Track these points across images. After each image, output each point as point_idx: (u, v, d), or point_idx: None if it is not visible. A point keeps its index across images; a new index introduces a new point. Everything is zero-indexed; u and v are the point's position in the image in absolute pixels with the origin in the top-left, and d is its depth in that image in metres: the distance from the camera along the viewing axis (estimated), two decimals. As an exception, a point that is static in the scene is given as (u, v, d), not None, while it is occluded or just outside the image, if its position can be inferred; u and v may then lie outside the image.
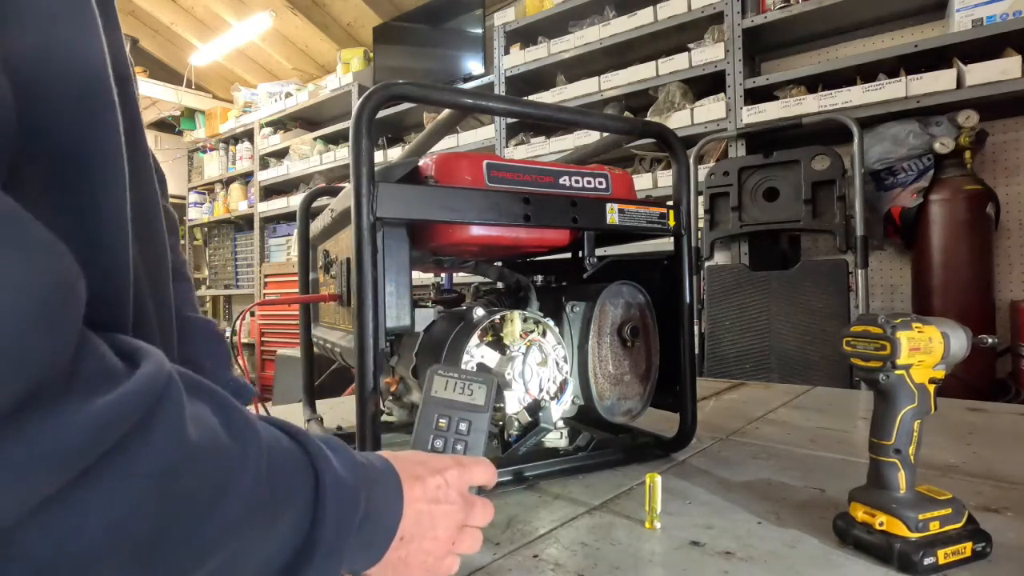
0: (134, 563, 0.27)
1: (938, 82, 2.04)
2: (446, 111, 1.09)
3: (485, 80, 3.31)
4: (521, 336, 0.88)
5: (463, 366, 0.83)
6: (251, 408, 0.60)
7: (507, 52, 3.17)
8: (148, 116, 5.09)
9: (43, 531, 0.24)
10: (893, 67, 2.23)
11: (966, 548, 0.57)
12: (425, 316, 0.95)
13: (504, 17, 3.35)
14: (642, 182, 2.60)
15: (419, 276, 1.23)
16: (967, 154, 2.05)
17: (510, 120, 3.09)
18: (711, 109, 2.48)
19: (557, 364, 0.91)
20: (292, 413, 1.30)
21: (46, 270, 0.24)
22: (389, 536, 0.42)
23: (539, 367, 0.88)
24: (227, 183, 5.00)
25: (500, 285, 1.10)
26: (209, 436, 0.31)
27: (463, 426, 0.52)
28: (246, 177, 4.90)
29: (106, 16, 0.36)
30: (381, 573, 0.43)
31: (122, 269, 0.35)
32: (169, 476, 0.28)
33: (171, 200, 0.71)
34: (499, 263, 1.08)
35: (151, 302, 0.41)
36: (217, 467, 0.31)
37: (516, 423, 0.84)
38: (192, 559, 0.30)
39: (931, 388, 0.61)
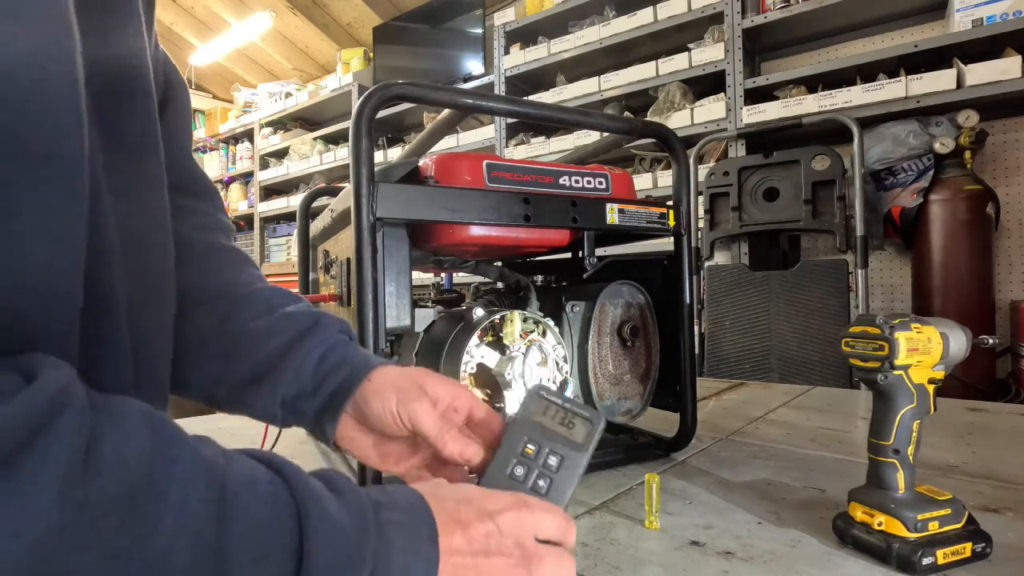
0: None
1: (938, 82, 2.04)
2: (446, 111, 1.09)
3: (485, 80, 3.31)
4: (521, 336, 0.88)
5: (463, 366, 0.83)
6: None
7: (507, 52, 3.17)
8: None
9: None
10: (893, 67, 2.24)
11: (966, 548, 0.57)
12: (425, 316, 0.95)
13: (504, 17, 3.35)
14: (642, 182, 2.60)
15: (419, 276, 1.23)
16: (967, 154, 2.05)
17: (510, 120, 3.09)
18: (711, 109, 2.48)
19: (557, 364, 0.91)
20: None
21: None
22: None
23: (539, 367, 0.88)
24: (227, 183, 5.00)
25: (500, 285, 1.10)
26: (106, 492, 0.24)
27: (553, 460, 0.43)
28: (246, 177, 4.91)
29: (123, 24, 0.35)
30: None
31: (60, 292, 0.29)
32: (57, 518, 0.22)
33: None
34: (499, 263, 1.08)
35: (131, 331, 0.36)
36: (133, 509, 0.24)
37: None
38: None
39: (930, 388, 0.61)
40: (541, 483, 0.42)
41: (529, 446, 0.43)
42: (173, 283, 0.43)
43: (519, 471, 0.42)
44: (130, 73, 0.37)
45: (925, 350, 0.59)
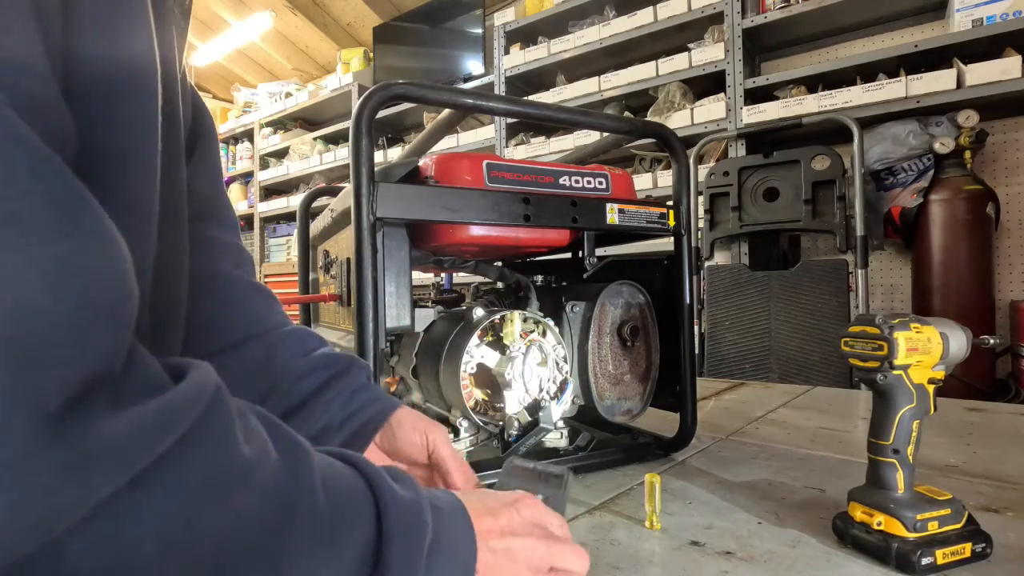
0: None
1: (938, 82, 2.04)
2: (446, 111, 1.09)
3: (485, 80, 3.31)
4: (521, 336, 0.88)
5: (463, 366, 0.83)
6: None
7: (507, 52, 3.17)
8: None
9: (92, 542, 0.22)
10: (893, 67, 2.24)
11: (965, 549, 0.57)
12: (425, 316, 0.95)
13: (504, 17, 3.35)
14: (642, 182, 2.60)
15: (419, 276, 1.23)
16: (967, 154, 2.05)
17: (510, 120, 3.09)
18: (711, 109, 2.48)
19: (557, 364, 0.91)
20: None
21: (115, 260, 0.23)
22: (467, 570, 0.38)
23: (539, 367, 0.88)
24: (227, 183, 5.00)
25: (500, 285, 1.10)
26: (261, 450, 0.29)
27: (540, 496, 0.49)
28: (246, 177, 4.90)
29: (162, 21, 0.37)
30: None
31: (146, 274, 0.34)
32: (221, 488, 0.26)
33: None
34: (499, 263, 1.08)
35: (164, 303, 0.39)
36: (272, 483, 0.29)
37: (516, 423, 0.84)
38: None
39: (930, 388, 0.61)
40: None
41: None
42: (184, 309, 0.45)
43: None
44: (170, 98, 0.39)
45: (925, 350, 0.59)
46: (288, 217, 4.49)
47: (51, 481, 0.21)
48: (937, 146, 2.03)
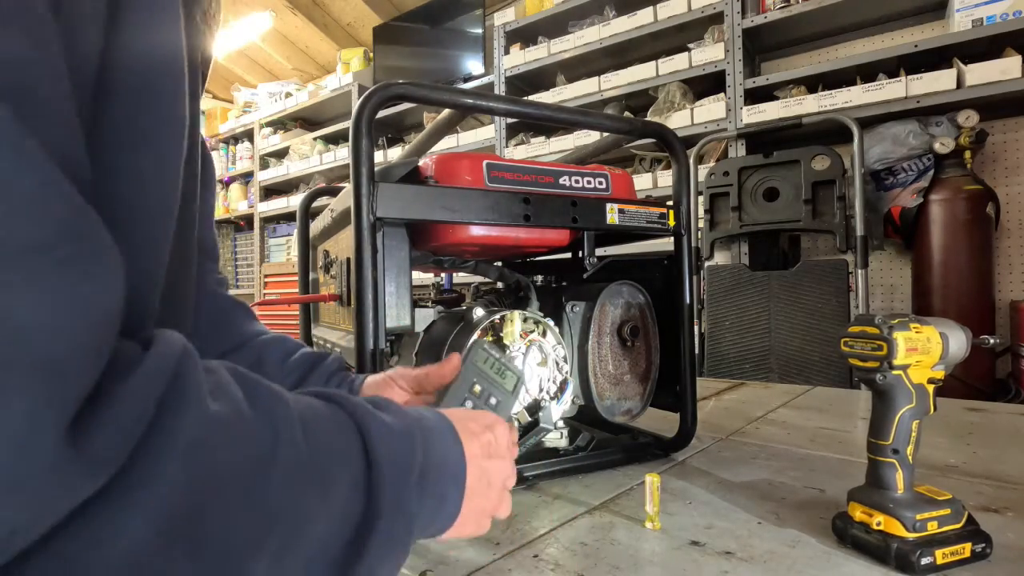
0: (185, 555, 0.26)
1: (938, 82, 2.04)
2: (446, 111, 1.09)
3: (485, 80, 3.31)
4: (521, 336, 0.88)
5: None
6: None
7: (507, 52, 3.17)
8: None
9: (85, 536, 0.23)
10: (893, 67, 2.23)
11: (965, 549, 0.57)
12: (425, 316, 0.95)
13: (504, 17, 3.35)
14: (642, 182, 2.60)
15: (419, 276, 1.23)
16: (967, 154, 2.05)
17: (510, 120, 3.09)
18: (711, 109, 2.48)
19: (557, 364, 0.91)
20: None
21: (112, 289, 0.24)
22: (460, 487, 0.40)
23: (539, 367, 0.88)
24: (227, 183, 5.00)
25: (500, 285, 1.10)
26: (233, 408, 0.29)
27: (492, 400, 0.56)
28: (246, 177, 4.90)
29: (188, 14, 0.38)
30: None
31: (162, 260, 0.35)
32: (200, 452, 0.26)
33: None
34: (499, 263, 1.08)
35: (177, 285, 0.41)
36: (247, 437, 0.29)
37: (516, 423, 0.84)
38: (246, 540, 0.28)
39: (930, 388, 0.61)
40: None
41: (477, 387, 0.56)
42: (193, 293, 0.47)
43: (469, 404, 0.55)
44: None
45: (924, 350, 0.59)
46: (288, 217, 4.49)
47: (74, 482, 0.22)
48: (937, 146, 2.03)
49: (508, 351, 0.86)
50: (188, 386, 0.27)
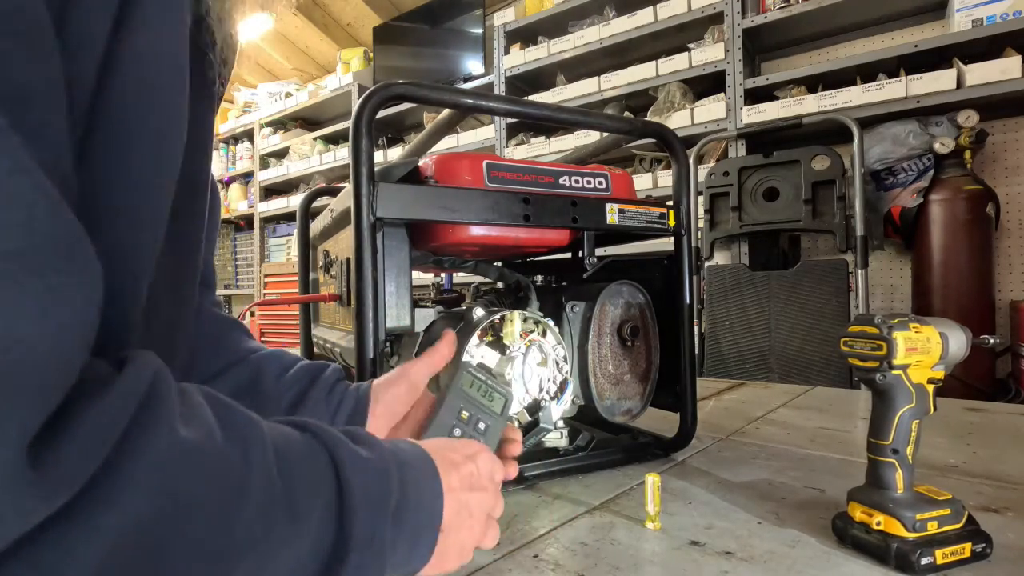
0: None
1: (938, 82, 2.04)
2: (446, 111, 1.09)
3: (485, 80, 3.31)
4: (521, 336, 0.88)
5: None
6: None
7: (507, 52, 3.17)
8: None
9: (35, 560, 0.22)
10: (893, 67, 2.24)
11: (965, 549, 0.57)
12: (425, 316, 0.95)
13: (504, 17, 3.35)
14: (642, 182, 2.60)
15: (419, 276, 1.23)
16: (967, 154, 2.05)
17: (510, 120, 3.09)
18: (711, 109, 2.48)
19: (557, 364, 0.91)
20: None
21: (87, 305, 0.24)
22: (434, 526, 0.39)
23: (539, 367, 0.88)
24: (227, 183, 5.00)
25: (500, 285, 1.10)
26: (204, 433, 0.29)
27: (481, 426, 0.54)
28: (246, 177, 4.90)
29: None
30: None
31: (147, 273, 0.34)
32: (166, 478, 0.26)
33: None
34: (499, 263, 1.08)
35: (166, 302, 0.40)
36: (217, 464, 0.28)
37: (516, 423, 0.84)
38: (210, 572, 0.27)
39: (930, 388, 0.61)
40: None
41: (464, 412, 0.54)
42: (200, 254, 0.47)
43: (457, 432, 0.53)
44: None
45: (924, 350, 0.59)
46: (288, 217, 4.49)
47: (29, 503, 0.21)
48: (937, 146, 2.03)
49: (509, 351, 0.86)
50: (158, 409, 0.26)
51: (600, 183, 0.92)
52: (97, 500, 0.23)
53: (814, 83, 2.37)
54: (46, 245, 0.22)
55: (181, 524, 0.26)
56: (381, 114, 0.81)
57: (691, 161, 2.34)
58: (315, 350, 1.35)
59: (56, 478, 0.22)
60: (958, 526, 0.58)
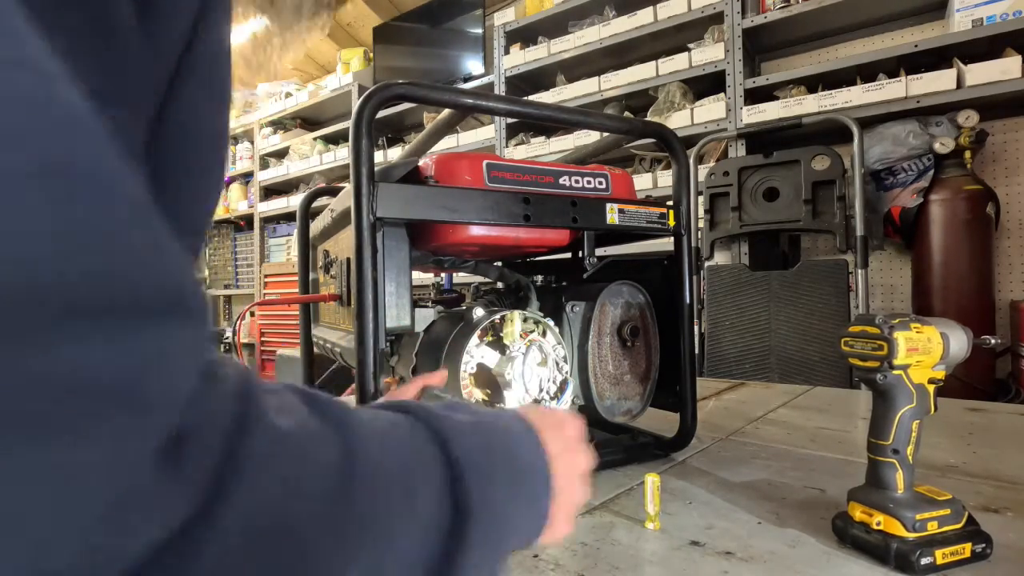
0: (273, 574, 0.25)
1: (938, 82, 2.04)
2: (446, 111, 1.09)
3: (485, 80, 3.31)
4: (521, 336, 0.88)
5: (463, 366, 0.83)
6: None
7: (507, 52, 3.17)
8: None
9: (169, 560, 0.23)
10: (893, 67, 2.24)
11: (965, 549, 0.57)
12: (425, 316, 0.95)
13: (504, 17, 3.35)
14: (642, 182, 2.60)
15: (419, 276, 1.23)
16: (967, 154, 2.05)
17: (510, 120, 3.09)
18: (711, 109, 2.48)
19: (557, 364, 0.91)
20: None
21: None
22: (547, 486, 0.39)
23: (539, 367, 0.88)
24: (227, 183, 5.00)
25: (500, 285, 1.10)
26: (301, 422, 0.29)
27: None
28: (246, 177, 4.91)
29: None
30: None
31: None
32: (275, 467, 0.26)
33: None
34: (499, 263, 1.08)
35: None
36: (320, 450, 0.28)
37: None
38: (333, 555, 0.27)
39: (931, 388, 0.61)
40: None
41: None
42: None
43: None
44: None
45: (925, 350, 0.59)
46: (288, 217, 4.49)
47: (169, 505, 0.22)
48: (937, 146, 2.03)
49: (509, 351, 0.86)
50: (255, 405, 0.27)
51: (600, 183, 0.92)
52: (222, 496, 0.24)
53: (814, 83, 2.37)
54: (162, 293, 0.23)
55: (297, 511, 0.26)
56: (381, 114, 0.81)
57: (691, 161, 2.34)
58: (315, 350, 1.35)
59: (185, 479, 0.23)
60: (958, 526, 0.58)
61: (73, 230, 0.19)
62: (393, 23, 3.92)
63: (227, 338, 4.37)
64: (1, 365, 0.18)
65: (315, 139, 4.30)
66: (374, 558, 0.29)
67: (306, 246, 1.44)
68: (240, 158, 4.90)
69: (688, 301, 0.95)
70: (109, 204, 0.21)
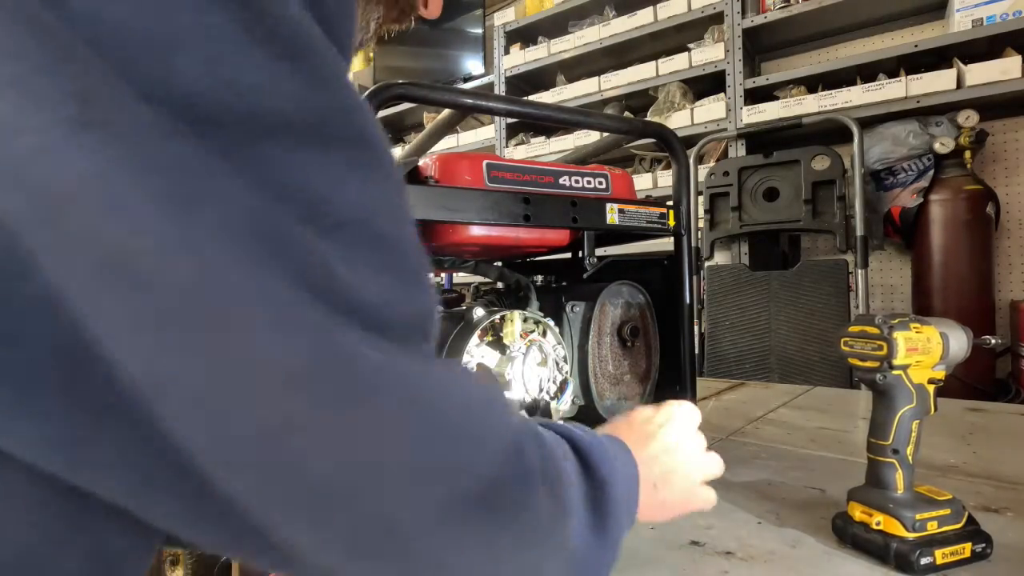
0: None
1: (938, 82, 2.04)
2: (446, 111, 1.09)
3: (485, 80, 3.31)
4: (521, 336, 0.88)
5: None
6: None
7: (507, 52, 3.17)
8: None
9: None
10: (893, 67, 2.23)
11: (965, 549, 0.57)
12: (425, 316, 0.95)
13: (504, 17, 3.35)
14: (642, 182, 2.60)
15: (419, 276, 1.22)
16: (967, 154, 2.05)
17: (510, 120, 3.09)
18: (711, 109, 2.48)
19: (557, 364, 0.91)
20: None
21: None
22: (633, 513, 0.42)
23: (539, 367, 0.88)
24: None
25: (500, 285, 1.10)
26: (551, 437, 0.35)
27: None
28: (246, 177, 4.90)
29: None
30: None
31: None
32: (549, 474, 0.32)
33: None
34: (499, 263, 1.08)
35: None
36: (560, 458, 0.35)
37: (516, 423, 0.84)
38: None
39: (931, 388, 0.61)
40: None
41: None
42: None
43: None
44: None
45: (925, 350, 0.59)
46: (288, 217, 4.48)
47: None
48: (937, 146, 2.03)
49: (509, 351, 0.86)
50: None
51: (600, 183, 0.92)
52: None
53: (814, 83, 2.37)
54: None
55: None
56: (381, 114, 0.81)
57: (691, 161, 2.34)
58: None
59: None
60: (958, 526, 0.58)
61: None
62: (393, 23, 3.92)
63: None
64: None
65: (315, 139, 4.29)
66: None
67: (306, 246, 1.44)
68: (240, 158, 4.89)
69: (688, 301, 0.95)
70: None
